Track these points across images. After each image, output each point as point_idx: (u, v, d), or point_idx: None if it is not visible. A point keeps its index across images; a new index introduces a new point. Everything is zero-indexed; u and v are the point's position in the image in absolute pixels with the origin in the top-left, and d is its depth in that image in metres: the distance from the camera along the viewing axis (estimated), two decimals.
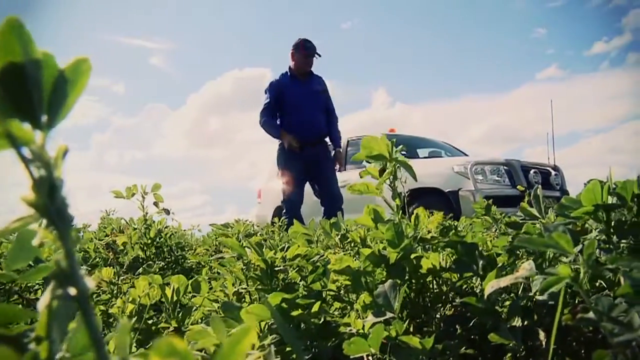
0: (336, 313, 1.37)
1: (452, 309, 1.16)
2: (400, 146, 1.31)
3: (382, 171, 1.27)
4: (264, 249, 1.35)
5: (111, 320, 1.30)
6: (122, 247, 1.53)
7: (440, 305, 1.19)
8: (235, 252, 1.37)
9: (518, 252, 1.15)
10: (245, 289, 1.38)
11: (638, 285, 0.63)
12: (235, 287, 1.43)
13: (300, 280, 1.42)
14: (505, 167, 7.73)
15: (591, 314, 0.70)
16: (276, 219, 4.17)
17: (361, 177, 1.34)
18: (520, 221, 1.10)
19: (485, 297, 0.73)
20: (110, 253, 1.50)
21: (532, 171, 7.87)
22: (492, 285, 0.72)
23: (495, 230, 2.21)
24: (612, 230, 1.02)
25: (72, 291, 0.44)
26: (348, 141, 9.70)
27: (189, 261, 2.97)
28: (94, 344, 0.44)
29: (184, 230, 3.98)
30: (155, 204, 2.84)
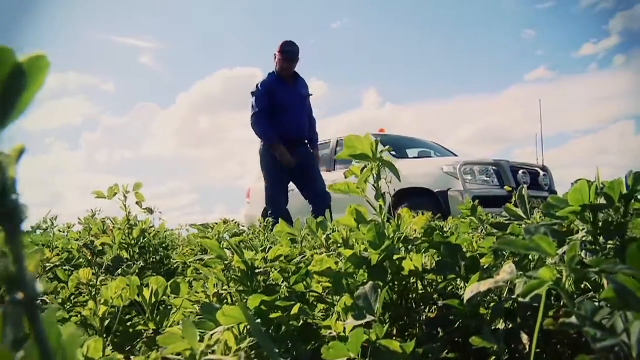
0: (320, 315, 1.35)
1: (435, 311, 1.13)
2: (387, 147, 1.28)
3: (363, 169, 1.24)
4: (244, 250, 1.32)
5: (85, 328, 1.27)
6: (100, 248, 1.50)
7: (423, 307, 1.16)
8: (215, 254, 1.34)
9: (503, 253, 1.13)
10: (226, 290, 1.35)
11: (622, 289, 0.61)
12: (216, 289, 1.40)
13: (283, 282, 1.40)
14: (494, 168, 7.75)
15: (574, 319, 0.68)
16: (261, 219, 4.16)
17: (346, 177, 1.31)
18: (506, 222, 1.08)
19: (465, 301, 0.70)
20: (88, 253, 1.47)
21: (520, 172, 7.89)
22: (472, 289, 0.70)
23: (482, 231, 2.19)
24: (598, 231, 1.00)
25: (20, 296, 0.41)
26: (337, 141, 9.70)
27: (174, 261, 2.94)
28: (41, 352, 0.41)
29: (171, 230, 3.95)
30: (138, 203, 2.80)
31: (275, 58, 5.94)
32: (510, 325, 0.98)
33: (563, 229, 1.02)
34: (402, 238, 1.20)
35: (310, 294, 1.36)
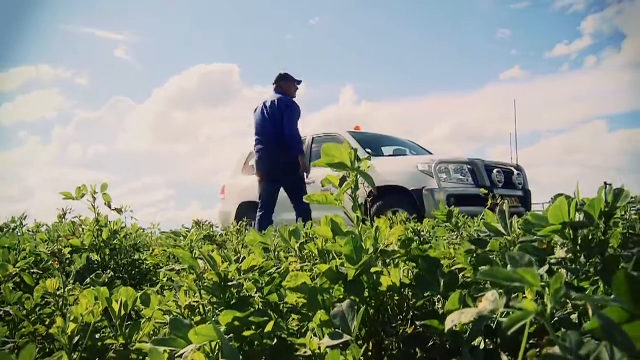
0: (294, 326, 1.31)
1: (413, 327, 1.10)
2: (366, 157, 1.25)
3: (343, 180, 1.21)
4: (217, 261, 1.28)
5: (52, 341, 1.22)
6: (68, 256, 1.44)
7: (400, 322, 1.14)
8: (187, 264, 1.29)
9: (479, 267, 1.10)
10: (197, 302, 1.31)
11: (608, 324, 0.59)
12: (188, 298, 1.36)
13: (256, 292, 1.36)
14: (469, 167, 7.79)
15: (557, 349, 0.65)
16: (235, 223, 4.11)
17: (323, 185, 1.28)
18: (485, 238, 1.06)
19: (446, 330, 0.68)
20: (56, 262, 1.41)
21: (495, 171, 7.94)
22: (453, 318, 0.67)
23: (458, 237, 2.18)
24: (578, 248, 0.98)
25: None
26: (313, 138, 9.67)
27: (146, 263, 2.88)
28: None
29: (143, 230, 3.88)
30: (108, 204, 2.73)
31: (289, 85, 6.79)
32: (490, 345, 0.96)
33: (543, 245, 1.00)
34: (380, 251, 1.17)
35: (284, 305, 1.32)
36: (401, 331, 1.10)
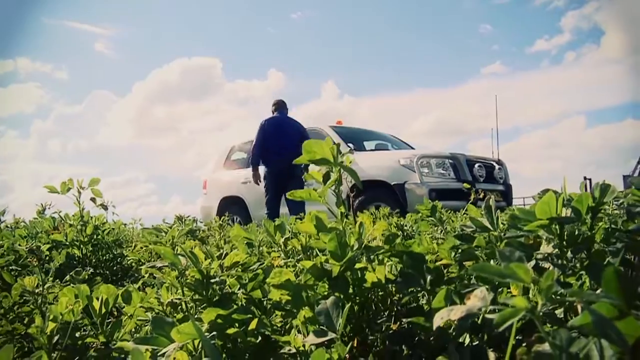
0: (278, 322, 1.30)
1: (398, 324, 1.09)
2: (348, 152, 1.24)
3: (326, 176, 1.19)
4: (199, 257, 1.26)
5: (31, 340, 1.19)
6: (47, 253, 1.41)
7: (384, 319, 1.13)
8: (169, 261, 1.27)
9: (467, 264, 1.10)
10: (180, 299, 1.29)
11: (601, 320, 0.58)
12: (170, 295, 1.34)
13: (239, 289, 1.34)
14: (450, 161, 7.82)
15: (547, 346, 0.64)
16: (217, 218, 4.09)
17: (305, 180, 1.26)
18: (471, 233, 1.05)
19: (434, 328, 0.67)
20: (34, 259, 1.38)
21: (476, 165, 7.98)
22: (441, 315, 0.66)
23: (442, 232, 2.18)
24: (564, 243, 0.97)
25: None
26: None
27: (127, 258, 2.85)
28: None
29: (124, 225, 3.83)
30: (93, 199, 2.68)
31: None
32: (476, 342, 0.95)
33: (529, 241, 0.99)
34: (364, 247, 1.16)
35: (268, 301, 1.31)
36: (386, 328, 1.09)
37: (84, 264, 2.61)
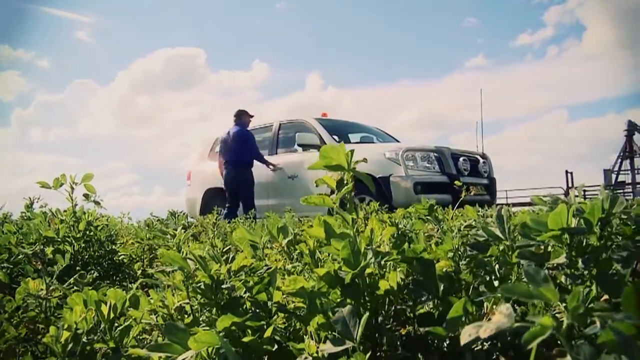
0: (280, 322, 1.31)
1: (409, 329, 1.11)
2: (362, 157, 1.25)
3: (339, 182, 1.21)
4: (207, 261, 1.27)
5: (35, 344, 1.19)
6: (50, 256, 1.40)
7: (397, 324, 1.15)
8: (177, 265, 1.28)
9: (480, 271, 1.12)
10: (187, 303, 1.30)
11: (626, 340, 0.60)
12: (175, 298, 1.35)
13: (245, 292, 1.35)
14: (435, 154, 7.87)
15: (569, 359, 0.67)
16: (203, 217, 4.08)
17: (317, 185, 1.28)
18: (484, 242, 1.07)
19: (462, 344, 0.68)
20: (38, 263, 1.38)
21: (461, 159, 8.04)
22: (469, 332, 0.68)
23: (438, 231, 2.20)
24: (573, 253, 1.00)
25: None
26: (280, 124, 9.65)
27: (119, 254, 2.84)
28: None
29: (113, 217, 3.82)
30: (86, 195, 2.66)
31: (248, 118, 9.14)
32: (489, 347, 0.98)
33: (540, 250, 1.02)
34: (374, 251, 1.17)
35: (273, 305, 1.32)
36: (399, 335, 1.11)
37: (76, 261, 2.60)
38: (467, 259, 1.09)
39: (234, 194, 8.85)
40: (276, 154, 9.39)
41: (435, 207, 2.08)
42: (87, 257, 2.69)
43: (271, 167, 9.03)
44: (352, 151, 1.20)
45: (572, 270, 0.98)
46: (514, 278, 1.02)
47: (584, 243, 1.01)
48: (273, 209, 8.00)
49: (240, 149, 8.82)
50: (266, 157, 9.17)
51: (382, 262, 1.19)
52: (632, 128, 35.95)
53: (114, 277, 2.71)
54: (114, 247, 2.80)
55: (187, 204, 10.46)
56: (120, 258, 2.83)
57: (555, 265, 0.99)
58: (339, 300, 1.10)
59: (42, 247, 1.43)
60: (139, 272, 2.74)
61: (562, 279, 1.00)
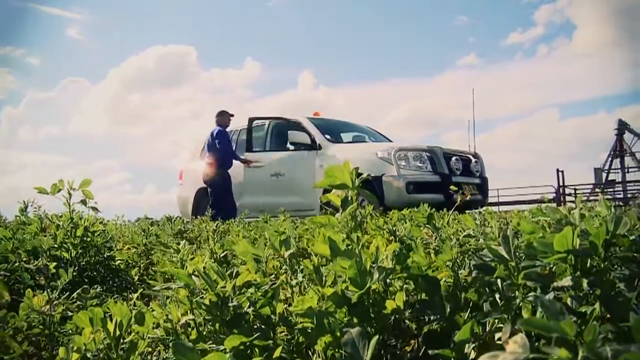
0: (282, 335, 1.32)
1: (418, 350, 1.13)
2: (364, 174, 1.26)
3: (344, 201, 1.22)
4: (211, 276, 1.27)
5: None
6: (54, 271, 1.40)
7: (403, 343, 1.16)
8: (183, 282, 1.28)
9: (486, 289, 1.13)
10: (192, 319, 1.30)
11: None
12: (179, 313, 1.35)
13: (249, 307, 1.36)
14: (427, 154, 7.89)
15: None
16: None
17: (321, 201, 1.29)
18: (489, 262, 1.08)
19: None
20: (42, 278, 1.38)
21: (453, 158, 8.07)
22: None
23: (436, 239, 2.21)
24: (577, 273, 1.01)
25: None
26: (272, 124, 9.64)
27: (116, 259, 2.83)
28: None
29: (107, 221, 3.80)
30: (84, 201, 2.65)
31: (227, 118, 9.58)
32: None
33: (545, 271, 1.03)
34: (379, 267, 1.18)
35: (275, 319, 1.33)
36: (406, 353, 1.12)
37: (73, 266, 2.60)
38: (472, 279, 1.10)
39: (211, 193, 9.28)
40: (268, 151, 9.41)
41: (433, 215, 2.10)
42: (84, 263, 2.68)
43: (246, 164, 9.31)
44: (358, 173, 1.21)
45: (578, 292, 0.99)
46: (519, 298, 1.03)
47: (588, 264, 1.02)
48: (254, 208, 8.05)
49: (214, 148, 9.33)
50: (258, 156, 9.31)
51: (388, 282, 1.20)
52: (622, 127, 36.15)
53: (111, 284, 2.70)
54: (111, 253, 2.79)
55: (179, 202, 10.44)
56: (117, 263, 2.83)
57: (560, 287, 1.00)
58: (346, 319, 1.11)
59: (45, 263, 1.42)
60: (136, 277, 2.74)
61: (568, 299, 1.01)
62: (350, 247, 1.26)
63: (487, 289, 1.10)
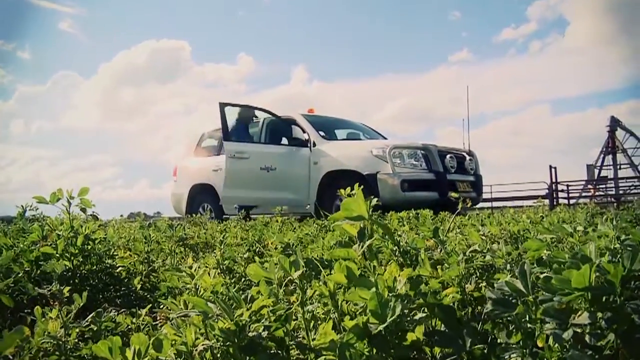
0: (295, 353, 1.34)
1: None
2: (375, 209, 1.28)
3: (361, 232, 1.23)
4: (232, 307, 1.29)
5: None
6: (67, 295, 1.40)
7: None
8: (200, 309, 1.29)
9: (501, 320, 1.15)
10: (210, 345, 1.32)
11: None
12: (193, 337, 1.36)
13: (263, 330, 1.37)
14: (422, 152, 7.92)
15: None
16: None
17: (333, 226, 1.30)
18: (508, 298, 1.10)
19: None
20: (56, 303, 1.39)
21: (448, 156, 8.10)
22: None
23: (441, 251, 2.23)
24: (593, 309, 1.04)
25: None
26: (266, 120, 9.63)
27: (117, 267, 2.83)
28: None
29: (107, 222, 3.81)
30: (83, 209, 2.65)
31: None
32: None
33: (562, 306, 1.05)
34: (396, 298, 1.20)
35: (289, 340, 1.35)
36: None
37: (75, 276, 2.60)
38: (491, 312, 1.11)
39: None
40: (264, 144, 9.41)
41: (438, 229, 2.11)
42: (85, 271, 2.69)
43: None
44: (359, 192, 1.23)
45: (596, 329, 1.01)
46: (537, 331, 1.06)
47: (604, 300, 1.05)
48: (247, 202, 8.07)
49: None
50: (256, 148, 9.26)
51: (406, 312, 1.21)
52: (614, 124, 36.18)
53: (111, 291, 2.71)
54: (112, 262, 2.79)
55: (173, 199, 10.42)
56: (118, 271, 2.83)
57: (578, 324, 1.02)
58: (366, 350, 1.13)
59: (59, 288, 1.43)
60: (139, 286, 2.74)
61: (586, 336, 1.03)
62: (365, 274, 1.28)
63: (504, 320, 1.13)
